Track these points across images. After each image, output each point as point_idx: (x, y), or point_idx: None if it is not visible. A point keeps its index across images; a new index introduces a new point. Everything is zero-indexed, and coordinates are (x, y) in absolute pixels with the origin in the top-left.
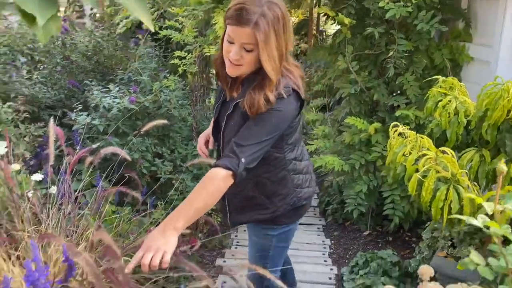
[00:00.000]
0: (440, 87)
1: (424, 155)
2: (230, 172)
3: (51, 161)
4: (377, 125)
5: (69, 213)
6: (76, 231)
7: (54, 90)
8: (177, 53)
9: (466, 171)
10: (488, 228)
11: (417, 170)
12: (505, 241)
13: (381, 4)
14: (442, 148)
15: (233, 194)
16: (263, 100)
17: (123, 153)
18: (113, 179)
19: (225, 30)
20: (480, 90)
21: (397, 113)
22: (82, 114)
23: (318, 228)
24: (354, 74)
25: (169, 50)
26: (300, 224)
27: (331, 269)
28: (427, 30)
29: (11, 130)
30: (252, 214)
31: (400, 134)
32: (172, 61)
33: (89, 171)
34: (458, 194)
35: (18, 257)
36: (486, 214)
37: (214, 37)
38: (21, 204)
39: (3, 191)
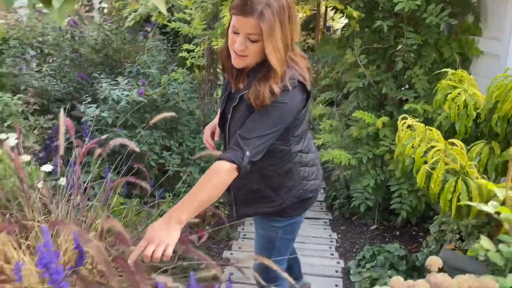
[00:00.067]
0: (450, 80)
1: (432, 147)
2: (235, 165)
3: (61, 151)
4: (385, 119)
5: (78, 204)
6: (85, 221)
7: (63, 83)
8: (185, 46)
9: (476, 163)
10: (499, 214)
11: (425, 162)
12: None
13: None
14: (451, 140)
15: (239, 187)
16: (268, 92)
17: (132, 145)
18: (122, 171)
19: (230, 21)
20: (490, 82)
21: (406, 107)
22: (91, 107)
23: (325, 222)
24: (362, 68)
25: (177, 44)
26: (307, 218)
27: (338, 263)
28: (436, 24)
29: (21, 122)
30: (258, 206)
31: (409, 126)
32: (180, 54)
33: (98, 163)
34: (467, 186)
35: (28, 246)
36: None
37: (222, 30)
38: (31, 194)
39: (14, 181)
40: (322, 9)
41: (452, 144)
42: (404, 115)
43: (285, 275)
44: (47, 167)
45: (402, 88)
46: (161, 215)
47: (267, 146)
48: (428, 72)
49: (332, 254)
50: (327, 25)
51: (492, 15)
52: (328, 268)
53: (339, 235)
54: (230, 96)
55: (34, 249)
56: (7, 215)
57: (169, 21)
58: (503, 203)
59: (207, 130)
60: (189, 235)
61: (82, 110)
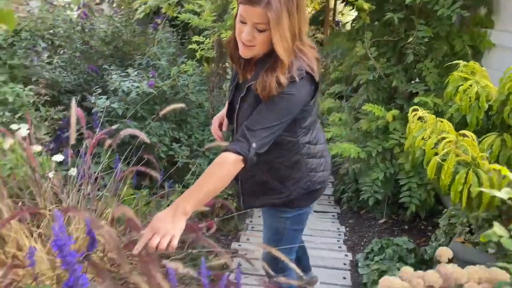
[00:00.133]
0: (461, 72)
1: (443, 138)
2: (241, 157)
3: (73, 140)
4: (395, 112)
5: (89, 194)
6: (95, 211)
7: (74, 74)
8: (195, 38)
9: (487, 155)
10: None
11: (436, 154)
12: None
13: None
14: (462, 131)
15: (246, 178)
16: (274, 83)
17: (142, 135)
18: (131, 162)
19: (238, 11)
20: (503, 74)
21: (416, 100)
22: (101, 98)
23: (333, 215)
24: (372, 60)
25: (186, 37)
26: (315, 211)
27: (346, 255)
28: (448, 16)
29: (32, 113)
30: (266, 198)
31: (419, 118)
32: (190, 46)
33: (108, 154)
34: (478, 177)
35: (40, 235)
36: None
37: (232, 22)
38: (42, 184)
39: (26, 170)
40: (331, 3)
41: (463, 135)
42: (415, 106)
43: (293, 265)
44: (58, 157)
45: (413, 81)
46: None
47: (273, 138)
48: (439, 65)
49: (340, 247)
50: (336, 19)
51: (505, 7)
52: (336, 261)
53: (347, 229)
54: (238, 87)
55: (46, 237)
56: (19, 204)
57: (178, 13)
58: None
59: (215, 121)
60: (199, 225)
61: (92, 101)
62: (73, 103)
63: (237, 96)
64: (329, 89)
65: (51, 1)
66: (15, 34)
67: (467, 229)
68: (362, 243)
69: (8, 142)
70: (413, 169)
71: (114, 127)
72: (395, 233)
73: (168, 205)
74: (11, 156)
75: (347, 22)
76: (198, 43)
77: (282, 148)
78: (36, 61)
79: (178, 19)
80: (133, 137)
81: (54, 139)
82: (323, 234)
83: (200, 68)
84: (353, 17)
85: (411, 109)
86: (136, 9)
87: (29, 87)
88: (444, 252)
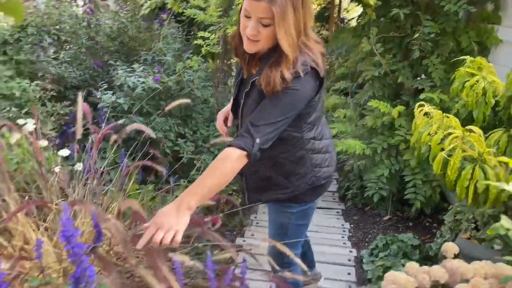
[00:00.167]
0: (468, 67)
1: (449, 134)
2: (244, 152)
3: (79, 135)
4: (400, 108)
5: (94, 189)
6: (101, 205)
7: (80, 70)
8: (201, 33)
9: (494, 150)
10: None
11: (442, 150)
12: None
13: None
14: (469, 127)
15: (250, 174)
16: (279, 78)
17: (148, 130)
18: (137, 157)
19: (242, 5)
20: (510, 70)
21: (422, 96)
22: (107, 93)
23: (338, 212)
24: (378, 57)
25: (192, 33)
26: (319, 208)
27: (350, 251)
28: (454, 11)
29: (38, 108)
30: (271, 193)
31: (425, 114)
32: (195, 42)
33: (114, 149)
34: (485, 173)
35: (46, 229)
36: None
37: (237, 17)
38: (49, 178)
39: (32, 165)
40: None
41: (470, 131)
42: (421, 102)
43: (298, 260)
44: (64, 152)
45: (418, 78)
46: None
47: (278, 133)
48: (445, 61)
49: (344, 243)
50: (341, 17)
51: None
52: (340, 257)
53: (352, 225)
54: (242, 82)
55: (52, 231)
56: (26, 198)
57: (184, 8)
58: None
59: (220, 116)
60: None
61: (98, 97)
62: (80, 97)
63: (241, 91)
64: (334, 85)
65: None
66: (21, 29)
67: (473, 225)
68: (366, 239)
69: (15, 137)
70: (419, 165)
71: (119, 122)
72: (400, 229)
73: (174, 200)
74: (18, 150)
75: (352, 19)
76: (203, 38)
77: (287, 143)
78: (42, 56)
79: (184, 14)
80: (139, 132)
81: (60, 134)
82: (327, 231)
83: (205, 64)
84: (359, 13)
85: (417, 104)
86: (142, 5)
87: (35, 82)
88: (450, 248)
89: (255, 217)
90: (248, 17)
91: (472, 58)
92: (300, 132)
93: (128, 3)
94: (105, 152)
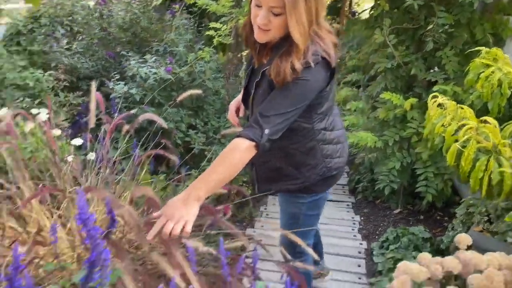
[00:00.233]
0: (483, 58)
1: (464, 125)
2: (253, 143)
3: (92, 124)
4: (413, 100)
5: (107, 178)
6: (114, 193)
7: (92, 61)
8: (213, 24)
9: (509, 142)
10: None
11: (456, 141)
12: None
13: None
14: (483, 118)
15: (259, 164)
16: (289, 68)
17: (159, 120)
18: (149, 147)
19: None
20: None
21: (435, 88)
22: (119, 83)
23: (348, 205)
24: (391, 48)
25: (203, 24)
26: (329, 201)
27: (361, 244)
28: (469, 2)
29: (51, 98)
30: (281, 184)
31: (439, 105)
32: (207, 33)
33: (126, 139)
34: (499, 165)
35: (59, 216)
36: None
37: (248, 7)
38: (62, 167)
39: (46, 153)
40: None
41: (485, 122)
42: (435, 93)
43: (310, 250)
44: (78, 141)
45: (432, 70)
46: None
47: (288, 124)
48: (459, 53)
49: (355, 236)
50: (352, 9)
51: None
52: (351, 249)
53: (362, 218)
54: (253, 71)
55: (65, 218)
56: (40, 185)
57: None
58: None
59: (232, 107)
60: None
61: (110, 87)
62: (93, 87)
63: (252, 81)
64: (346, 77)
65: None
66: (34, 20)
67: (486, 218)
68: (377, 232)
69: (28, 126)
70: (430, 158)
71: (132, 112)
72: (410, 223)
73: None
74: (32, 139)
75: (363, 11)
76: (215, 29)
77: (297, 134)
78: (55, 47)
79: (196, 5)
80: (150, 123)
81: (73, 124)
82: (338, 223)
83: (217, 55)
84: (370, 6)
85: (430, 96)
86: None
87: (48, 72)
88: (463, 239)
89: (265, 209)
90: (259, 6)
91: (487, 49)
92: (311, 123)
93: None
94: (117, 142)
